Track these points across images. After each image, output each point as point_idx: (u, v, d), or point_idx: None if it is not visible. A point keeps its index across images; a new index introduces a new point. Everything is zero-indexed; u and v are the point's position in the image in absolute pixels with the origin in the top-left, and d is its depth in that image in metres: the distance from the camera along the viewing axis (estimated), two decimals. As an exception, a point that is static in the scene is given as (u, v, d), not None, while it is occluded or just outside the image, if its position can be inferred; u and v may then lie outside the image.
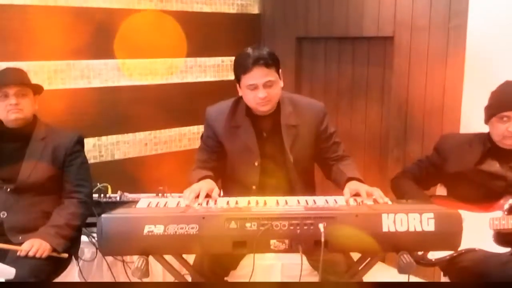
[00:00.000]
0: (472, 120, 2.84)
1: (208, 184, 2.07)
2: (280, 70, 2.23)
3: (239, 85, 2.22)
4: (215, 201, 2.00)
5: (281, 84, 2.24)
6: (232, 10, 4.03)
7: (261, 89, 2.13)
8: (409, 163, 2.66)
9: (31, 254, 2.17)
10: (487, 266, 2.08)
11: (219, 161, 2.36)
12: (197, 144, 3.96)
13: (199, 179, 2.12)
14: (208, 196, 2.01)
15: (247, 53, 2.15)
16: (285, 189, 2.30)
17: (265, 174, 2.30)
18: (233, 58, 4.06)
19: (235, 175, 2.35)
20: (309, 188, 2.43)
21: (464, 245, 1.94)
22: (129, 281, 2.81)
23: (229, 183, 2.42)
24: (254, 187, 2.29)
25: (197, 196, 1.98)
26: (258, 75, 2.12)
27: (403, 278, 1.83)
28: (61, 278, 2.35)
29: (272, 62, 2.15)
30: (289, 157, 2.27)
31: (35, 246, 2.19)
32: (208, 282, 2.14)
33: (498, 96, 2.25)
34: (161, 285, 2.46)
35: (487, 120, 2.29)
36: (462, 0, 2.84)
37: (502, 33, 2.71)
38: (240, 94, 2.27)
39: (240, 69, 2.16)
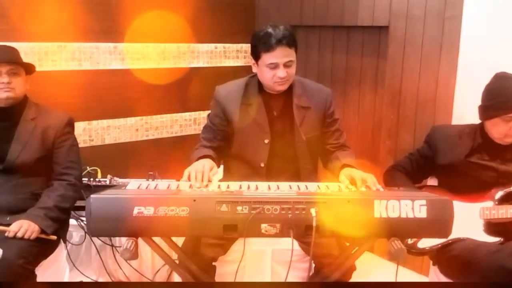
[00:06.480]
0: (465, 111, 2.84)
1: (208, 163, 2.07)
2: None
3: (257, 62, 2.22)
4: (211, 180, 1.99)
5: None
6: (227, -5, 3.99)
7: (282, 68, 2.16)
8: (401, 154, 2.66)
9: (19, 235, 2.15)
10: (477, 255, 2.08)
11: (223, 141, 2.37)
12: (188, 130, 3.98)
13: (198, 158, 2.13)
14: None
15: (269, 32, 2.16)
16: (292, 168, 2.34)
17: (274, 152, 2.32)
18: (226, 44, 4.00)
19: (243, 153, 2.36)
20: (313, 171, 2.44)
21: (454, 234, 1.95)
22: (121, 269, 2.80)
23: (235, 161, 2.42)
24: (262, 164, 2.31)
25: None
26: (280, 55, 2.15)
27: (391, 266, 1.84)
28: (49, 261, 2.33)
29: (293, 42, 2.19)
30: (301, 136, 2.29)
31: (23, 227, 2.17)
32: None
33: (500, 96, 2.17)
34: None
35: (485, 119, 2.24)
36: (458, -10, 2.84)
37: (496, 24, 2.70)
38: (254, 71, 2.28)
39: (262, 47, 2.17)
